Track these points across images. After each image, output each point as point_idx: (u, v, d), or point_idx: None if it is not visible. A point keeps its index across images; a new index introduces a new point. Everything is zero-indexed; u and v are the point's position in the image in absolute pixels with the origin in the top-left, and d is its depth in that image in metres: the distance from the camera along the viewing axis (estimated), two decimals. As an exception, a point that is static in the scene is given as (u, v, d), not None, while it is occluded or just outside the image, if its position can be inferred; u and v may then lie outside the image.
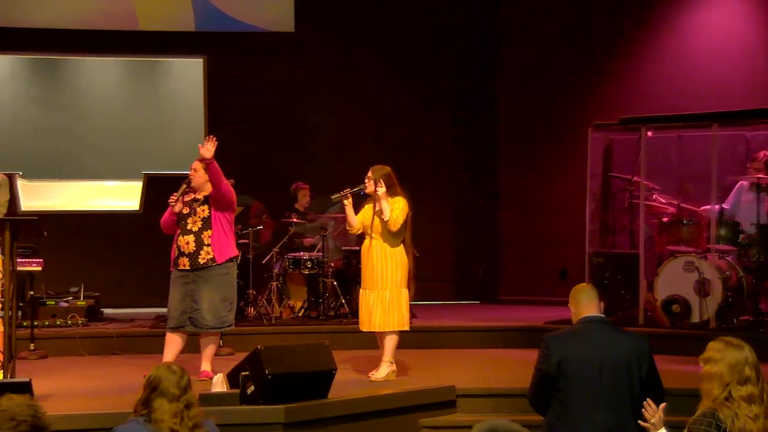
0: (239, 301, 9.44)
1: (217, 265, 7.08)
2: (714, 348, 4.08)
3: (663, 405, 4.26)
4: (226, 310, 7.16)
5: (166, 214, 7.21)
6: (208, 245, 7.05)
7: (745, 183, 9.12)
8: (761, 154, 9.03)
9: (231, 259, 7.22)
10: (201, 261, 7.05)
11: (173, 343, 7.18)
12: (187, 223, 7.11)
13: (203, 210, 7.12)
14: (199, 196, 7.16)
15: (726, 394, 3.98)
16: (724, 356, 4.02)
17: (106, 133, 11.90)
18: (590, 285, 5.22)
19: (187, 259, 7.07)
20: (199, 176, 7.13)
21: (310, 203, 10.18)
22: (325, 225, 9.79)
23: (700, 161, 9.34)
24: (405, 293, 7.25)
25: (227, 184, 7.14)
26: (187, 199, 7.19)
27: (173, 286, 7.15)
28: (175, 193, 7.18)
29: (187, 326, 7.10)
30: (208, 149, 6.97)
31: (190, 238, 7.07)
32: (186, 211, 7.14)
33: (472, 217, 12.00)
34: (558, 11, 11.45)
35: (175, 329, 7.13)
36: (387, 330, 7.19)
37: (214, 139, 7.02)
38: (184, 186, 7.19)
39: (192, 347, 7.36)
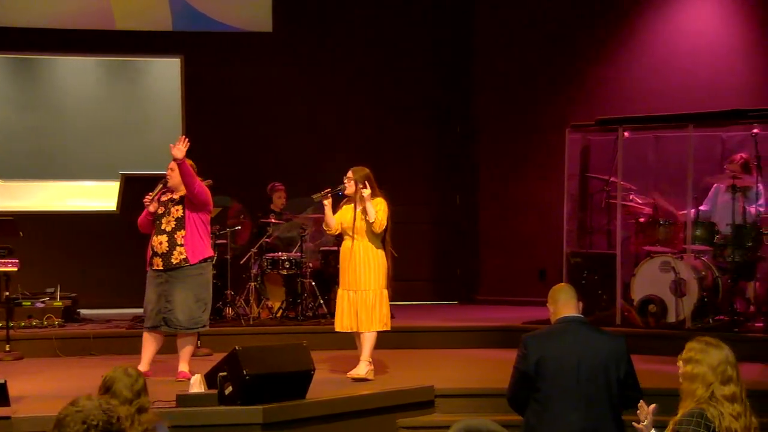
0: (217, 302, 9.43)
1: (190, 265, 7.06)
2: (694, 348, 4.11)
3: (653, 406, 4.28)
4: (199, 311, 7.14)
5: (143, 214, 7.20)
6: (181, 245, 7.04)
7: (721, 185, 9.20)
8: (738, 156, 9.10)
9: (205, 260, 7.20)
10: (174, 261, 7.04)
11: (150, 343, 7.16)
12: (161, 223, 7.09)
13: (177, 210, 7.11)
14: (176, 196, 7.15)
15: (709, 394, 4.01)
16: (706, 356, 4.05)
17: (83, 133, 11.84)
18: (569, 285, 5.24)
19: (161, 259, 7.05)
20: (175, 176, 7.11)
21: (286, 204, 10.16)
22: (303, 225, 9.77)
23: (676, 162, 9.41)
24: (386, 293, 7.28)
25: (200, 185, 7.12)
26: (163, 199, 7.17)
27: (148, 286, 7.16)
28: (151, 193, 7.16)
29: (162, 326, 7.09)
30: (180, 149, 6.94)
31: (164, 238, 7.06)
32: (161, 211, 7.13)
33: (450, 217, 12.01)
34: (535, 13, 11.48)
35: (152, 329, 7.12)
36: (371, 330, 7.20)
37: (186, 139, 7.01)
38: (161, 186, 7.18)
39: (170, 348, 7.33)
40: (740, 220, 8.76)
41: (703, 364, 4.04)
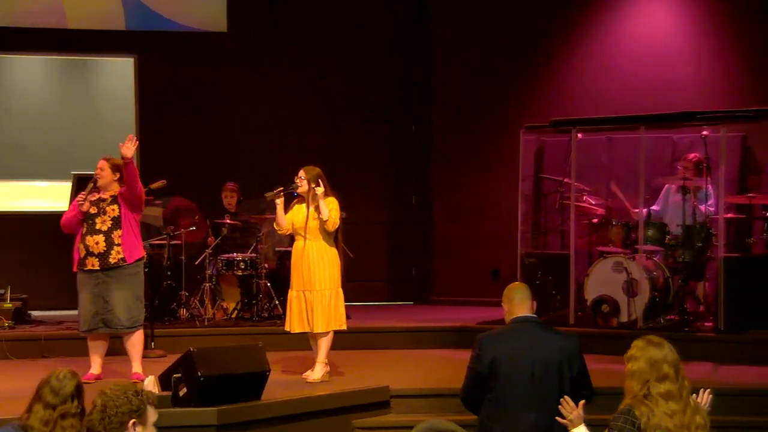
0: (171, 303, 9.39)
1: (128, 264, 7.03)
2: (636, 346, 4.18)
3: (582, 402, 4.34)
4: (138, 310, 7.14)
5: (71, 214, 7.09)
6: (119, 245, 7.00)
7: (672, 186, 9.33)
8: (692, 155, 9.24)
9: (140, 259, 7.20)
10: (111, 261, 6.99)
11: (96, 348, 7.13)
12: (95, 223, 7.02)
13: (113, 209, 7.05)
14: (105, 196, 7.07)
15: (645, 391, 4.08)
16: (644, 354, 4.13)
17: (35, 132, 11.69)
18: (523, 284, 5.28)
19: (97, 260, 6.99)
20: (106, 175, 7.07)
21: (239, 204, 10.12)
22: (258, 226, 9.74)
23: (628, 163, 9.52)
24: (341, 293, 7.28)
25: (141, 185, 7.11)
26: (92, 198, 7.10)
27: (82, 288, 7.04)
28: (83, 192, 7.08)
29: (101, 328, 7.02)
30: (130, 148, 6.90)
31: (100, 237, 6.99)
32: (94, 211, 7.05)
33: (405, 218, 12.04)
34: (490, 17, 11.54)
35: (89, 332, 7.05)
36: (328, 331, 7.19)
37: (135, 138, 6.97)
38: (91, 185, 7.10)
39: (118, 350, 7.27)
40: (691, 221, 8.89)
41: (641, 362, 4.11)
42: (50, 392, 3.99)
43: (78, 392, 4.07)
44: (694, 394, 4.20)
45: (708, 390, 4.29)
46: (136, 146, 6.94)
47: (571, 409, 4.32)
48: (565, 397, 4.38)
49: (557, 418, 4.36)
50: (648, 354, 4.12)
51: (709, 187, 9.07)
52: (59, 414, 3.98)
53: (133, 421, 3.77)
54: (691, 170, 9.10)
